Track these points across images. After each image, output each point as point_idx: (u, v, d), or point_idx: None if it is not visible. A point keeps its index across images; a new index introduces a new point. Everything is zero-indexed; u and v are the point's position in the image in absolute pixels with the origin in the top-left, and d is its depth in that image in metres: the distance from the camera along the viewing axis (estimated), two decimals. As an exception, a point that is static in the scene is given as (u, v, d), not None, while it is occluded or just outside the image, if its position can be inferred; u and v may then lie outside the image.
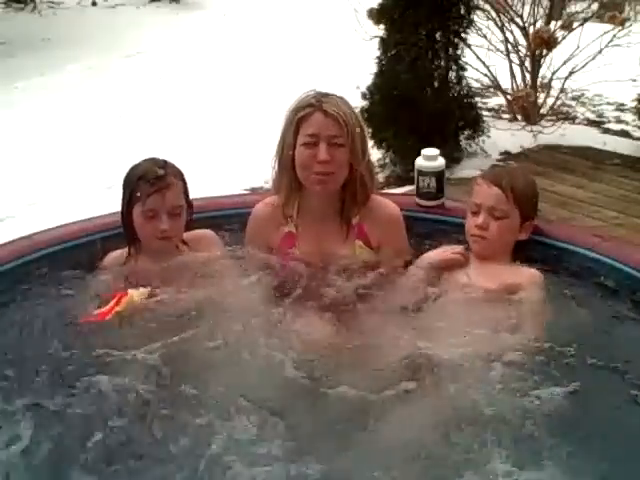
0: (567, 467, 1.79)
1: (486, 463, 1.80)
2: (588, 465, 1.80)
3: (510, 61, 6.15)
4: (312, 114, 2.40)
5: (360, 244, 2.52)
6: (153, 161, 2.46)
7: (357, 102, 5.11)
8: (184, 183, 2.47)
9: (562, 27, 5.99)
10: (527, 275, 2.38)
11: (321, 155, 2.38)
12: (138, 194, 2.39)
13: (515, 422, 1.94)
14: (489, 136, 5.61)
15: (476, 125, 5.55)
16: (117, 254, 2.53)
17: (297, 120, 2.42)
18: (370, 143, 2.55)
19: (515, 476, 1.77)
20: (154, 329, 2.25)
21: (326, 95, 2.45)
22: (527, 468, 1.79)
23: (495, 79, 6.15)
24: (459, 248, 2.50)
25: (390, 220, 2.56)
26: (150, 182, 2.37)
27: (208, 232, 2.60)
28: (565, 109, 6.62)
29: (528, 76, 6.16)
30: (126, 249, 2.51)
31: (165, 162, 2.45)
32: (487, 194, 2.42)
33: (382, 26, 5.46)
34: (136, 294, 2.30)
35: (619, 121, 6.52)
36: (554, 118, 6.11)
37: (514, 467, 1.79)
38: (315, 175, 2.41)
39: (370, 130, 4.81)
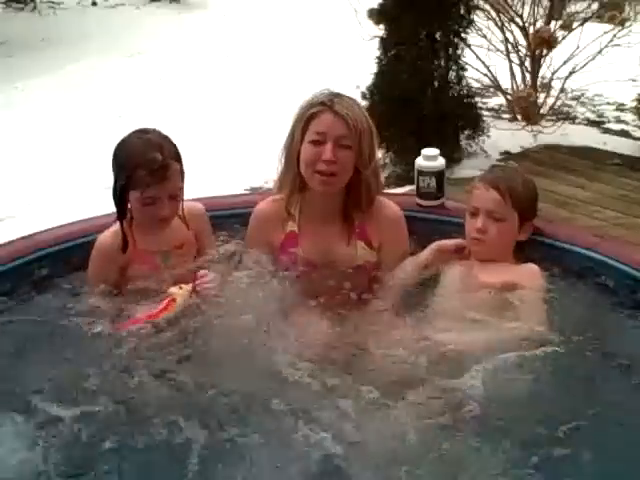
0: (565, 462, 1.80)
1: (486, 459, 1.80)
2: (585, 462, 1.81)
3: (510, 61, 6.15)
4: (322, 113, 2.40)
5: (362, 245, 2.52)
6: (148, 142, 2.34)
7: (357, 102, 5.10)
8: (179, 159, 2.39)
9: (562, 27, 5.99)
10: (526, 271, 2.39)
11: (326, 154, 2.38)
12: (136, 182, 2.31)
13: (515, 419, 1.94)
14: (489, 136, 5.61)
15: (476, 125, 5.55)
16: (111, 235, 2.44)
17: (307, 117, 2.41)
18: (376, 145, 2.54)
19: (515, 470, 1.78)
20: (154, 329, 2.26)
21: (339, 96, 2.45)
22: (527, 464, 1.79)
23: (495, 79, 6.15)
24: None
25: (392, 221, 2.56)
26: (150, 172, 2.29)
27: (197, 205, 2.58)
28: (565, 109, 6.62)
29: (528, 76, 6.15)
30: (116, 228, 2.43)
31: (161, 144, 2.35)
32: (485, 198, 2.42)
33: (382, 26, 5.46)
34: (179, 295, 2.27)
35: (619, 121, 6.51)
36: (554, 118, 6.11)
37: (514, 463, 1.80)
38: (318, 174, 2.41)
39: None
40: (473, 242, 2.45)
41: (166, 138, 2.40)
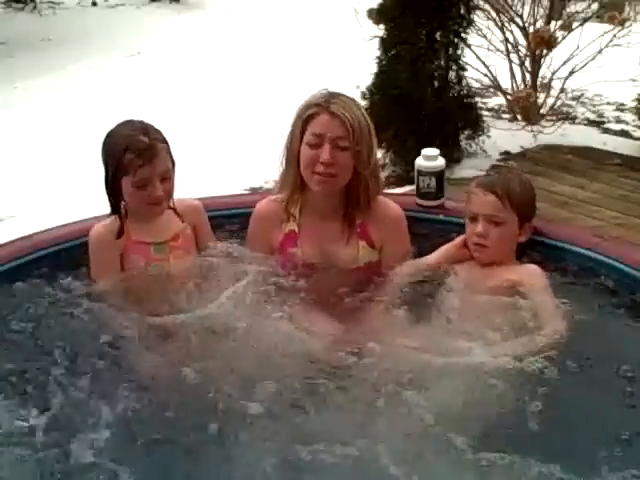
0: (560, 462, 1.79)
1: (488, 463, 1.80)
2: (583, 465, 1.81)
3: (510, 61, 6.15)
4: (319, 114, 2.40)
5: (363, 244, 2.52)
6: (133, 127, 2.40)
7: (357, 102, 5.11)
8: (165, 141, 2.43)
9: (562, 27, 5.98)
10: (526, 271, 2.39)
11: (323, 156, 2.38)
12: (126, 166, 2.34)
13: (515, 419, 1.94)
14: (489, 136, 5.61)
15: (476, 125, 5.55)
16: (102, 226, 2.47)
17: (305, 118, 2.41)
18: (376, 145, 2.54)
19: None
20: (157, 329, 2.26)
21: (337, 96, 2.44)
22: (531, 466, 1.79)
23: (495, 79, 6.14)
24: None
25: (393, 220, 2.56)
26: (138, 154, 2.33)
27: (192, 200, 2.61)
28: (565, 109, 6.62)
29: (528, 76, 6.15)
30: (107, 221, 2.47)
31: (145, 127, 2.40)
32: (483, 202, 2.42)
33: (382, 26, 5.45)
34: None
35: (619, 121, 6.51)
36: (554, 118, 6.11)
37: (517, 468, 1.79)
38: (316, 175, 2.41)
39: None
40: (475, 248, 2.44)
41: (149, 124, 2.43)
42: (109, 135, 2.43)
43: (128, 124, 2.43)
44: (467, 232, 2.47)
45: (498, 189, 2.40)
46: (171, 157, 2.44)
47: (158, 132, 2.43)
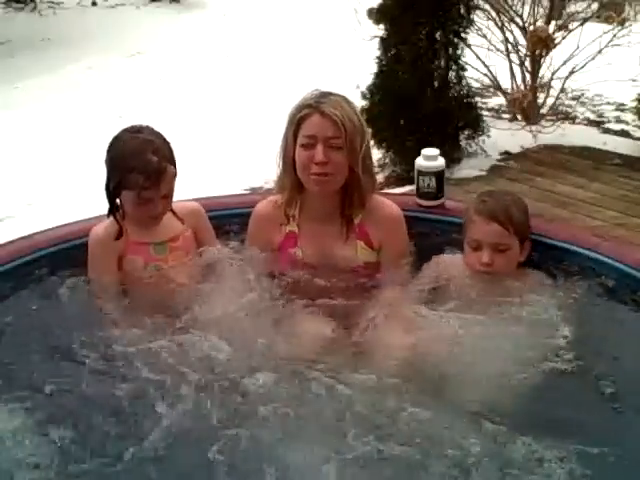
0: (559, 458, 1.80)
1: (495, 461, 1.81)
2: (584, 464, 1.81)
3: (510, 61, 6.15)
4: (310, 115, 2.40)
5: (361, 245, 2.52)
6: (143, 141, 2.35)
7: (357, 102, 5.10)
8: (173, 159, 2.40)
9: (560, 27, 5.98)
10: (531, 280, 2.40)
11: (317, 156, 2.37)
12: (131, 184, 2.33)
13: (517, 419, 1.94)
14: (489, 136, 5.61)
15: (476, 125, 5.54)
16: (103, 226, 2.47)
17: (296, 121, 2.41)
18: (370, 143, 2.54)
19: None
20: (155, 328, 2.26)
21: (327, 95, 2.44)
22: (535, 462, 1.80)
23: (495, 79, 6.14)
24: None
25: (391, 221, 2.56)
26: (146, 176, 2.30)
27: (193, 203, 2.61)
28: (565, 109, 6.62)
29: (528, 76, 6.15)
30: (107, 222, 2.47)
31: (155, 145, 2.35)
32: (487, 231, 2.40)
33: (382, 26, 5.45)
34: None
35: (619, 121, 6.50)
36: (554, 118, 6.10)
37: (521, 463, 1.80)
38: (313, 176, 2.41)
39: (370, 130, 4.80)
40: (480, 276, 2.42)
41: (159, 137, 2.41)
42: (116, 145, 2.38)
43: (138, 135, 2.37)
44: (470, 259, 2.45)
45: (500, 216, 2.39)
46: (175, 173, 2.42)
47: (166, 145, 2.40)
